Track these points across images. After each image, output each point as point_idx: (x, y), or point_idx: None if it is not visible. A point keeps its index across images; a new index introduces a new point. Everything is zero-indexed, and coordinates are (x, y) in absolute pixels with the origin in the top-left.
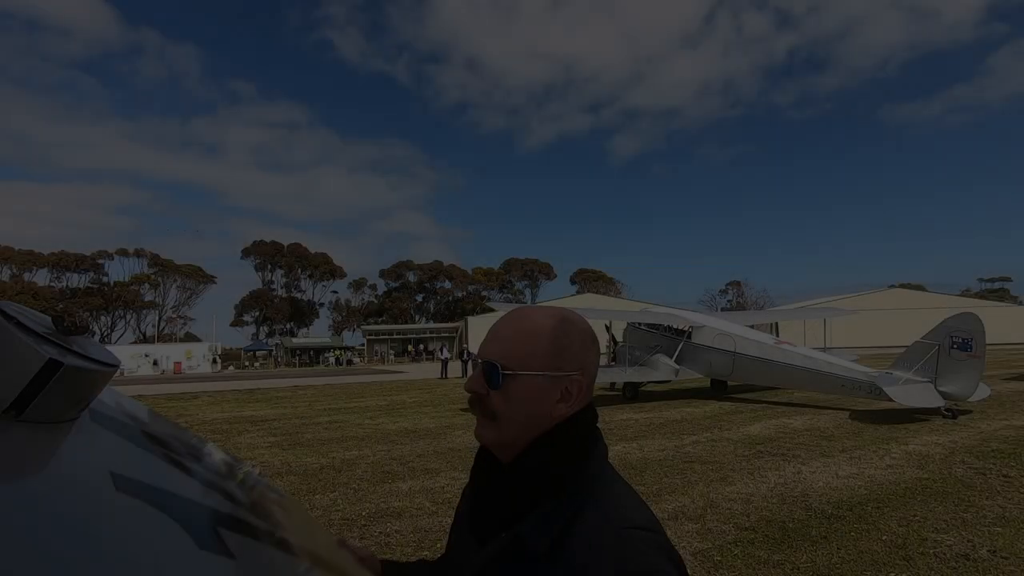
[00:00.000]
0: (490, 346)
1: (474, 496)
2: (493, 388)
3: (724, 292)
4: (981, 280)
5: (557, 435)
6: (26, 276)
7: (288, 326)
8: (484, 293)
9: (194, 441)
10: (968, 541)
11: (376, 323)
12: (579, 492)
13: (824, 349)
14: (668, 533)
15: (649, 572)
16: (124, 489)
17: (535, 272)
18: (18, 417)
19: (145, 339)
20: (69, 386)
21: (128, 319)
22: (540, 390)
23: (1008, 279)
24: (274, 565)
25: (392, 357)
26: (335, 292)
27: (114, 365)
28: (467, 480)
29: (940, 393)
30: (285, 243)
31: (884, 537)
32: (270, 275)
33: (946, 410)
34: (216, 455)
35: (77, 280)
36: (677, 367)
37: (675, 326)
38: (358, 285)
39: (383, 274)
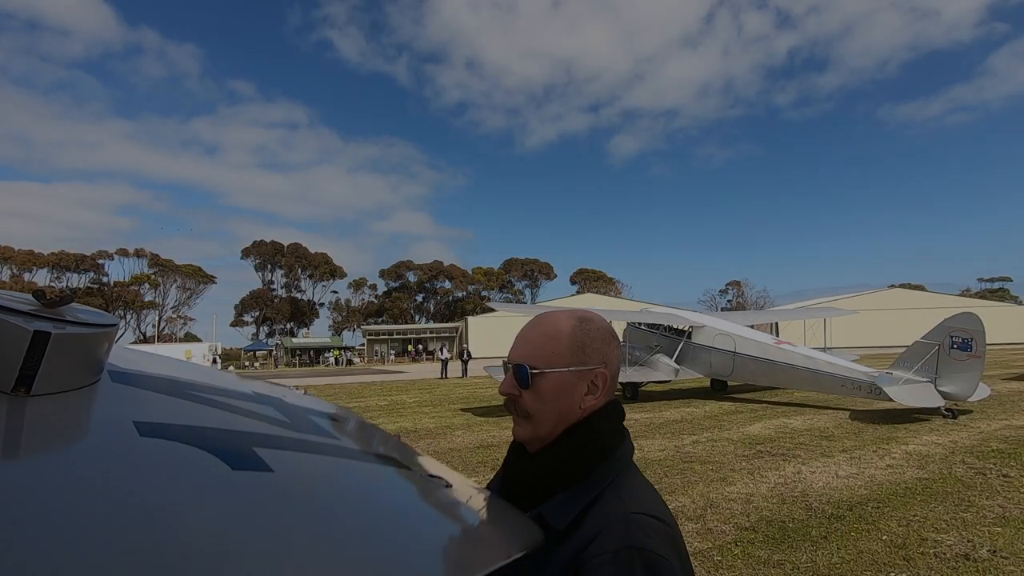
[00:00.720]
0: (518, 350)
1: (505, 479)
2: (524, 388)
3: (724, 292)
4: (981, 280)
5: (583, 428)
6: (26, 276)
7: (288, 326)
8: (484, 293)
9: (233, 382)
10: (968, 541)
11: (376, 323)
12: (601, 481)
13: (824, 349)
14: None
15: (647, 551)
16: (148, 433)
17: (535, 272)
18: (29, 393)
19: (145, 339)
20: (70, 353)
21: (128, 319)
22: (567, 385)
23: (1008, 279)
24: (318, 469)
25: (392, 357)
26: (335, 292)
27: (111, 325)
28: (468, 479)
29: (940, 393)
30: (285, 243)
31: (884, 537)
32: (270, 275)
33: (946, 410)
34: (258, 388)
35: (77, 280)
36: (677, 367)
37: (675, 326)
38: (358, 285)
39: (383, 274)
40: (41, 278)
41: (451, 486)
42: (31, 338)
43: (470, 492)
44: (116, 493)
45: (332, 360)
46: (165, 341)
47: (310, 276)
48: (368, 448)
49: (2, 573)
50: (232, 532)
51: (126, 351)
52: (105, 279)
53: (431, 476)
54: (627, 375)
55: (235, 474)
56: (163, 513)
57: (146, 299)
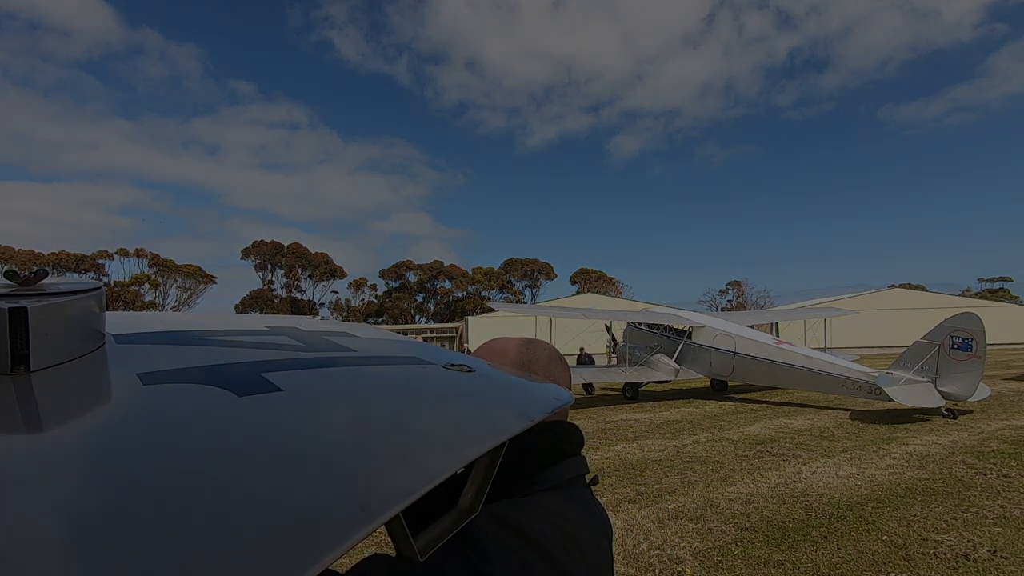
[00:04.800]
0: None
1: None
2: None
3: (724, 292)
4: (981, 280)
5: (519, 441)
6: None
7: None
8: (484, 293)
9: (246, 321)
10: (968, 541)
11: (376, 323)
12: (521, 492)
13: (824, 349)
14: (668, 533)
15: (475, 534)
16: (152, 381)
17: (535, 272)
18: (29, 371)
19: None
20: (57, 324)
21: None
22: None
23: (1009, 279)
24: (331, 381)
25: None
26: (335, 292)
27: (94, 289)
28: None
29: (940, 393)
30: (285, 243)
31: (884, 537)
32: (270, 275)
33: (946, 410)
34: (271, 321)
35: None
36: (677, 367)
37: (675, 326)
38: (358, 285)
39: (383, 274)
40: None
41: (473, 371)
42: (8, 316)
43: (493, 373)
44: (121, 442)
45: None
46: None
47: (310, 276)
48: (386, 353)
49: (47, 529)
50: (238, 452)
51: (132, 315)
52: (105, 279)
53: (452, 365)
54: (627, 375)
55: (241, 400)
56: (168, 450)
57: (146, 299)
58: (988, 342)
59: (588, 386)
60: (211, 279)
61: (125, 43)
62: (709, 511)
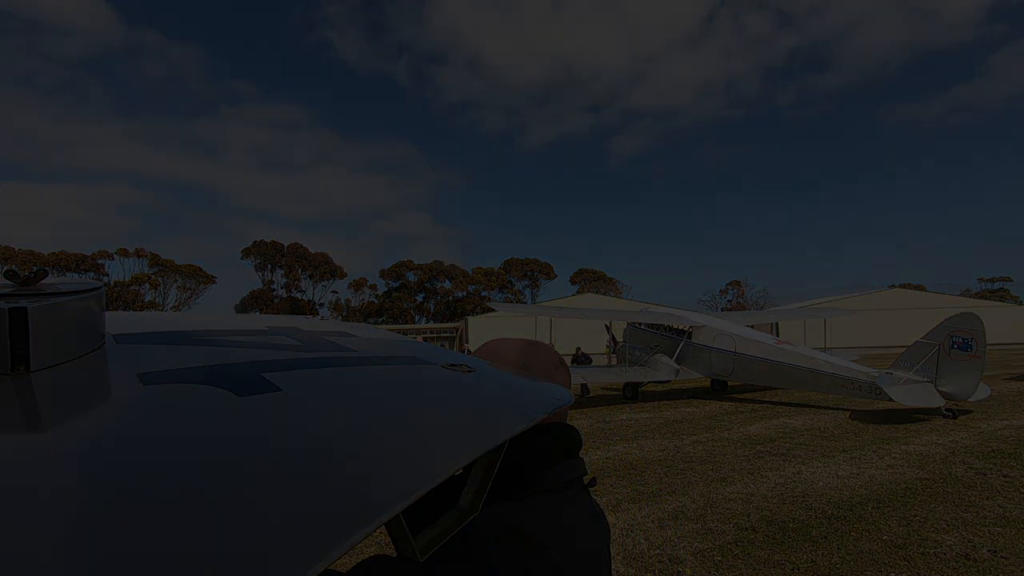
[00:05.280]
0: None
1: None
2: None
3: (724, 292)
4: (981, 280)
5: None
6: None
7: None
8: (484, 293)
9: (246, 321)
10: (968, 541)
11: (376, 323)
12: (519, 495)
13: (824, 349)
14: (668, 533)
15: (473, 532)
16: (152, 381)
17: (535, 272)
18: (30, 371)
19: None
20: (57, 324)
21: None
22: None
23: (1009, 279)
24: (331, 380)
25: None
26: (335, 292)
27: (93, 289)
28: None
29: (940, 393)
30: (285, 243)
31: (884, 537)
32: (270, 275)
33: (946, 410)
34: (272, 322)
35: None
36: (677, 367)
37: (675, 326)
38: (358, 285)
39: (383, 274)
40: None
41: (473, 371)
42: (8, 316)
43: (493, 373)
44: (121, 442)
45: None
46: None
47: (310, 276)
48: (385, 352)
49: (46, 530)
50: (238, 452)
51: (132, 315)
52: (105, 279)
53: (452, 365)
54: (627, 375)
55: (241, 400)
56: (168, 450)
57: (146, 299)
58: (988, 342)
59: (583, 387)
60: (211, 279)
61: (125, 43)
62: (709, 511)
